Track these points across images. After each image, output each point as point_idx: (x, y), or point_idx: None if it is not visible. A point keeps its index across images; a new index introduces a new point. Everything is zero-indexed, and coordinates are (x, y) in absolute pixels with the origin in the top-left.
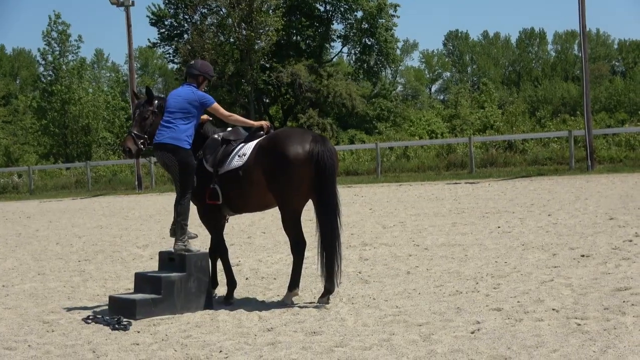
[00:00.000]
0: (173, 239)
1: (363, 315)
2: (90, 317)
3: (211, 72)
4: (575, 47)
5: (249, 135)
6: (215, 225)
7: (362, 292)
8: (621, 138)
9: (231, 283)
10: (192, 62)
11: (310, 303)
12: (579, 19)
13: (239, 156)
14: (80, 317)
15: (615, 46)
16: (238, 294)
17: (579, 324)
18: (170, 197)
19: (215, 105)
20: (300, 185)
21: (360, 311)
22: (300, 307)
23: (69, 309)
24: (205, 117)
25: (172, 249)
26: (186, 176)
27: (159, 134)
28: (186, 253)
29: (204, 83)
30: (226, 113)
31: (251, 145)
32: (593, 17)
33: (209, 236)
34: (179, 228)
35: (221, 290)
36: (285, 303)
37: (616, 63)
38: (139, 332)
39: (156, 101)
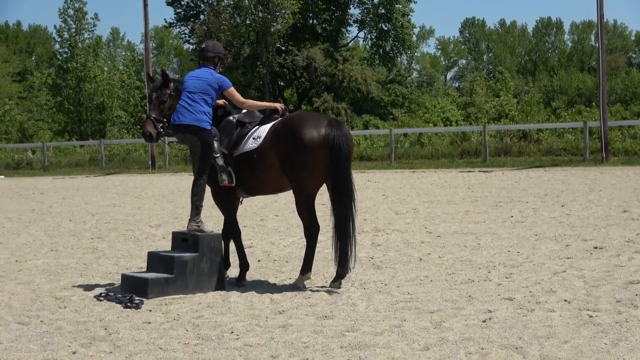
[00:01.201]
0: (182, 220)
1: (375, 301)
2: (103, 294)
3: (223, 51)
4: (592, 38)
5: (264, 117)
6: (229, 207)
7: (374, 277)
8: (637, 130)
9: (243, 265)
10: (204, 44)
11: (322, 287)
12: (597, 9)
13: (253, 139)
14: (93, 295)
15: (633, 38)
16: (250, 276)
17: (591, 316)
18: (184, 178)
19: (232, 89)
20: (315, 169)
21: (372, 297)
22: (312, 290)
23: (81, 286)
24: (221, 101)
25: (182, 231)
26: (206, 158)
27: (179, 115)
28: (199, 234)
29: (219, 63)
30: (241, 99)
31: (266, 127)
32: (611, 8)
33: (222, 217)
34: (193, 208)
35: (233, 271)
36: (297, 286)
37: (633, 55)
38: (150, 310)
39: (172, 84)
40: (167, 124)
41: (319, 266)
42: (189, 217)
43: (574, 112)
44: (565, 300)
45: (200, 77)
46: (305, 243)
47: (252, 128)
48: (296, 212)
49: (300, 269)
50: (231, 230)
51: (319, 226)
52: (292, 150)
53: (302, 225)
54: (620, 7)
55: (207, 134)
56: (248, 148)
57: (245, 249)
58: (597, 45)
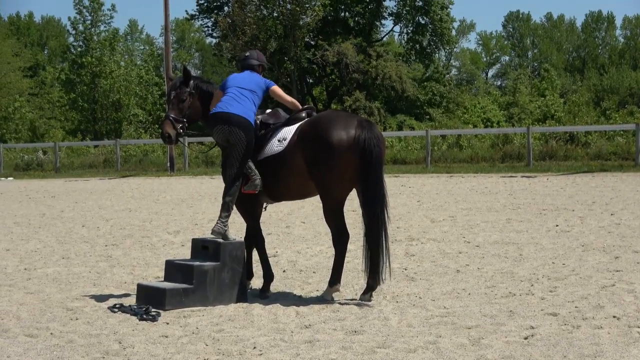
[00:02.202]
0: (202, 226)
1: (408, 315)
2: (117, 305)
3: (266, 61)
4: None
5: (289, 118)
6: (252, 213)
7: (408, 290)
8: None
9: (268, 275)
10: (248, 53)
11: (352, 300)
12: None
13: (278, 141)
14: (106, 306)
15: None
16: (274, 287)
17: None
18: (204, 181)
19: (277, 87)
20: (343, 173)
21: (405, 311)
22: (340, 303)
23: (94, 296)
24: None
25: (205, 236)
26: (248, 157)
27: (227, 106)
28: (221, 240)
29: (261, 73)
30: (286, 97)
31: (292, 129)
32: None
33: (245, 224)
34: (224, 209)
35: (256, 282)
36: (324, 299)
37: None
38: (168, 323)
39: (193, 81)
40: (186, 124)
41: (348, 277)
42: (218, 217)
43: (625, 114)
44: (613, 317)
45: (248, 77)
46: (333, 252)
47: (277, 130)
48: (324, 219)
49: (328, 280)
50: (255, 238)
51: (348, 234)
52: (319, 153)
53: (330, 233)
54: None
55: (252, 131)
56: (273, 151)
57: (269, 258)
58: None
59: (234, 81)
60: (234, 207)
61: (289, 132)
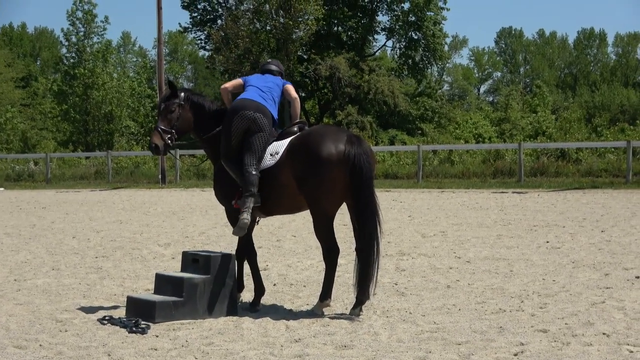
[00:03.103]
0: (192, 239)
1: (398, 330)
2: (106, 317)
3: (284, 70)
4: (638, 51)
5: (282, 132)
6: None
7: (398, 305)
8: None
9: (259, 289)
10: (269, 60)
11: (342, 314)
12: None
13: (271, 155)
14: (96, 318)
15: None
16: (265, 300)
17: (631, 351)
18: (195, 194)
19: (291, 85)
20: (332, 188)
21: (395, 325)
22: (331, 318)
23: (83, 308)
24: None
25: (193, 250)
26: (265, 146)
27: (250, 95)
28: (211, 253)
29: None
30: (296, 98)
31: (284, 143)
32: None
33: (236, 237)
34: (249, 198)
35: (246, 295)
36: (315, 313)
37: None
38: (157, 336)
39: (183, 93)
40: (175, 135)
41: (339, 292)
42: (242, 210)
43: (616, 131)
44: (603, 334)
45: (268, 77)
46: (324, 266)
47: (270, 143)
48: (314, 234)
49: (319, 294)
50: (246, 251)
51: (338, 249)
52: (309, 168)
53: (320, 248)
54: None
55: (272, 125)
56: (265, 165)
57: (260, 272)
58: None
59: (254, 80)
60: (229, 221)
61: (281, 146)
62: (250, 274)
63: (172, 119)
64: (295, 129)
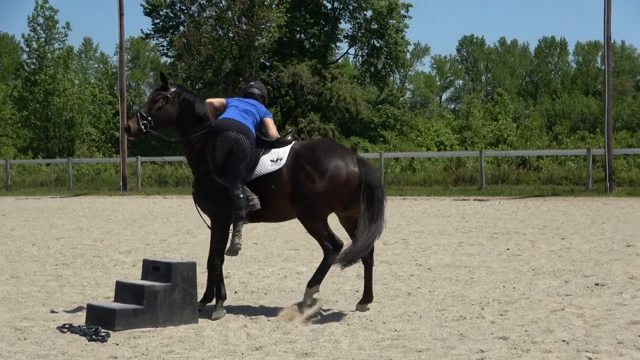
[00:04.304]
0: (153, 246)
1: (359, 338)
2: (66, 325)
3: (267, 93)
4: (598, 60)
5: (277, 141)
6: (224, 236)
7: (359, 312)
8: None
9: (218, 295)
10: (252, 83)
11: (303, 323)
12: (604, 30)
13: (272, 161)
14: (55, 326)
15: None
16: (226, 308)
17: (590, 358)
18: (157, 201)
19: (271, 120)
20: (331, 200)
21: (356, 333)
22: (292, 326)
23: (43, 316)
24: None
25: (153, 258)
26: (245, 164)
27: (232, 115)
28: (172, 261)
29: (263, 104)
30: (275, 132)
31: (285, 150)
32: (619, 28)
33: (198, 244)
34: (239, 222)
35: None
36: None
37: None
38: (117, 344)
39: (174, 89)
40: (152, 123)
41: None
42: (232, 233)
43: (576, 139)
44: (563, 341)
45: (251, 101)
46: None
47: (266, 150)
48: (274, 241)
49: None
50: (219, 257)
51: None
52: (314, 177)
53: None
54: (629, 28)
55: (252, 144)
56: (267, 170)
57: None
58: (603, 67)
59: (237, 101)
60: (214, 226)
61: (282, 152)
62: (215, 281)
63: (152, 108)
64: (289, 137)
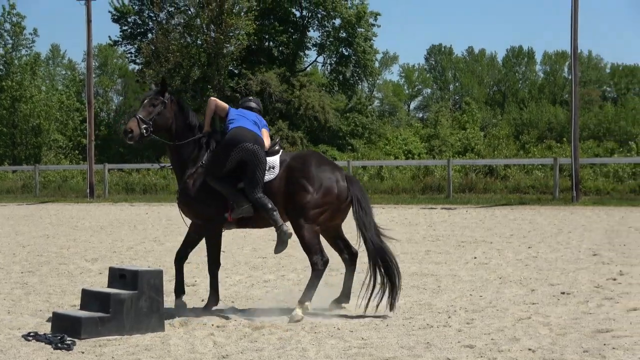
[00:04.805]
0: (120, 254)
1: (326, 347)
2: (31, 333)
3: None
4: (565, 70)
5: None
6: (218, 240)
7: (326, 321)
8: (609, 169)
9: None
10: (251, 97)
11: (271, 330)
12: (571, 40)
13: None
14: (20, 334)
15: (608, 70)
16: (192, 316)
17: None
18: (124, 208)
19: (267, 131)
20: (323, 212)
21: (323, 341)
22: (259, 334)
23: (8, 324)
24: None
25: (120, 266)
26: (262, 173)
27: (245, 124)
28: (138, 269)
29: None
30: (269, 143)
31: (276, 159)
32: (585, 39)
33: (163, 252)
34: (272, 215)
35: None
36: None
37: (607, 88)
38: (83, 352)
39: (168, 94)
40: (151, 128)
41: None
42: (275, 226)
43: (543, 148)
44: (529, 349)
45: (253, 113)
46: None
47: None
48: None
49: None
50: (217, 262)
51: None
52: (307, 188)
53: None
54: (596, 38)
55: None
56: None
57: (186, 287)
58: (570, 77)
59: (244, 111)
60: (204, 232)
61: (273, 161)
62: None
63: (151, 112)
64: (277, 147)
